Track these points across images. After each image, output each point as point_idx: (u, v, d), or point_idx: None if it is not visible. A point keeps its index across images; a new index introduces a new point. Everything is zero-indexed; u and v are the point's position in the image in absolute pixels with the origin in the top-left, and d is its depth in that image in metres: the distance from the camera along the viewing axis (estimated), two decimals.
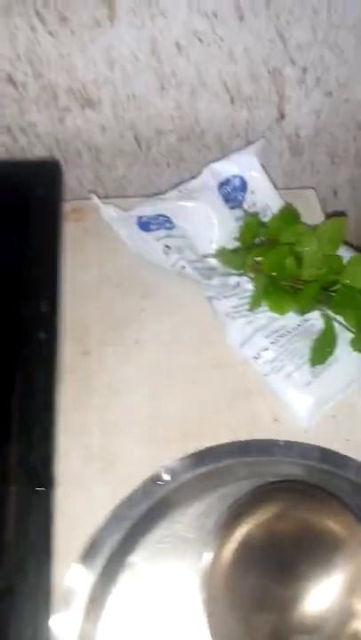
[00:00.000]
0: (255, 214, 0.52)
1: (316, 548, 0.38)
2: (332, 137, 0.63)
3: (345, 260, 0.48)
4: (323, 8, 0.51)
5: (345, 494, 0.43)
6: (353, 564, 0.37)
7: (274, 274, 0.47)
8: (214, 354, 0.50)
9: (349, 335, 0.47)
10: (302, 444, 0.45)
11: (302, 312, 0.47)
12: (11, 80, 0.55)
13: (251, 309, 0.48)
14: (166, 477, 0.43)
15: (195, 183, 0.54)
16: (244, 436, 0.46)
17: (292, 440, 0.45)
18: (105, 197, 0.64)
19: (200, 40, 0.53)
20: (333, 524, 0.38)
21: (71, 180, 0.66)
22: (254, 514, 0.39)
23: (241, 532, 0.38)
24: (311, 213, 0.58)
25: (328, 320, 0.47)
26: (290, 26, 0.52)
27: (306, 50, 0.55)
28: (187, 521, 0.42)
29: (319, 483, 0.43)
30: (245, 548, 0.38)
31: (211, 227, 0.53)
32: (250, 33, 0.53)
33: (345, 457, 0.45)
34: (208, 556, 0.37)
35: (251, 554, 0.38)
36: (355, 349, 0.47)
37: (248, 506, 0.39)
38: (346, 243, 0.51)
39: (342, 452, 0.45)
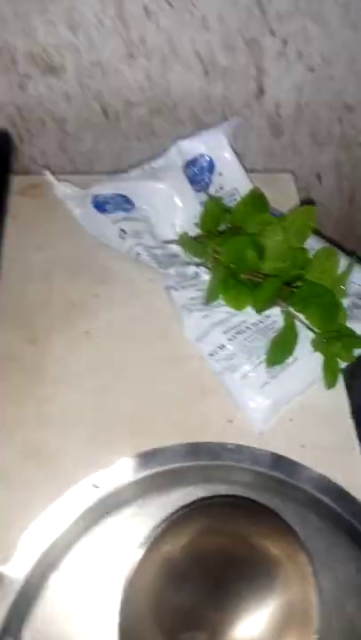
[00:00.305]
0: (218, 199, 0.48)
1: (250, 569, 0.35)
2: (315, 116, 0.59)
3: (312, 254, 0.44)
4: None
5: (297, 505, 0.41)
6: (288, 589, 0.34)
7: (233, 265, 0.44)
8: (170, 348, 0.47)
9: (311, 334, 0.44)
10: (254, 449, 0.42)
11: (259, 309, 0.44)
12: None
13: (206, 303, 0.45)
14: (106, 479, 0.41)
15: (160, 161, 0.50)
16: (194, 437, 0.43)
17: (245, 444, 0.43)
18: (72, 173, 0.60)
19: (170, 5, 0.49)
20: (271, 545, 0.36)
21: (35, 152, 0.62)
22: (188, 529, 0.36)
23: (171, 546, 0.35)
24: (287, 199, 0.55)
25: (288, 318, 0.44)
26: None
27: (286, 20, 0.50)
28: (124, 528, 0.40)
29: (268, 492, 0.41)
30: (175, 563, 0.35)
31: (174, 210, 0.49)
32: None
33: (299, 465, 0.42)
34: (133, 569, 0.34)
35: (180, 570, 0.35)
36: (316, 350, 0.44)
37: (182, 520, 0.36)
38: (318, 233, 0.48)
39: (297, 458, 0.42)
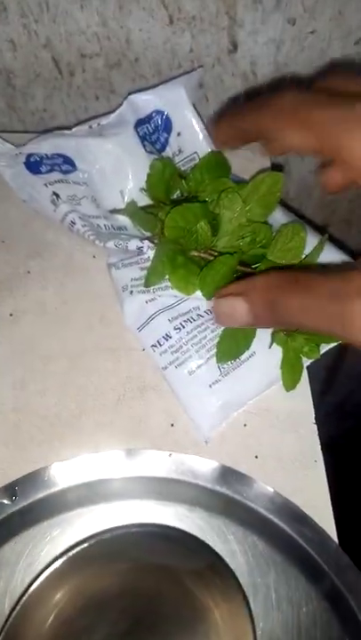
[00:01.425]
0: (167, 159, 0.41)
1: (177, 612, 0.29)
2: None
3: (276, 229, 0.37)
4: None
5: (244, 528, 0.35)
6: (221, 636, 0.28)
7: (181, 240, 0.37)
8: (108, 336, 0.40)
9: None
10: (198, 459, 0.36)
11: (207, 294, 0.37)
12: None
13: (147, 285, 0.38)
14: (18, 492, 0.34)
15: (112, 118, 0.43)
16: (129, 443, 0.37)
17: (188, 453, 0.36)
18: (23, 133, 0.53)
19: None
20: (203, 585, 0.29)
21: None
22: (94, 563, 0.30)
23: (70, 585, 0.29)
24: (258, 167, 0.48)
25: None
26: None
27: None
28: (35, 552, 0.33)
29: (210, 512, 0.34)
30: (73, 604, 0.29)
31: (123, 174, 0.42)
32: None
33: (250, 479, 0.36)
34: (20, 607, 0.28)
35: (87, 615, 0.29)
36: (275, 343, 0.37)
37: (88, 551, 0.30)
38: (286, 205, 0.41)
39: (249, 472, 0.36)
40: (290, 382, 0.37)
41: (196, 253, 0.37)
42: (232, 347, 0.36)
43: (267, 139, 0.36)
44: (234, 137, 0.39)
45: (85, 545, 0.30)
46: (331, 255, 0.39)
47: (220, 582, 0.29)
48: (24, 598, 0.28)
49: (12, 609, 0.28)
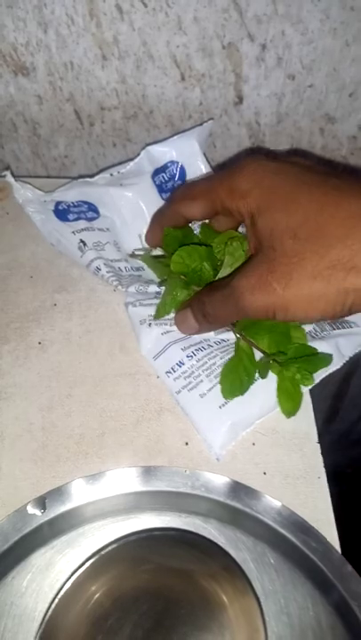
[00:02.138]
0: (183, 229, 0.44)
1: (193, 611, 0.32)
2: (296, 126, 0.56)
3: None
4: None
5: (254, 538, 0.38)
6: (234, 634, 0.31)
7: (184, 277, 0.41)
8: (128, 363, 0.44)
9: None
10: (211, 475, 0.39)
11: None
12: None
13: (156, 317, 0.42)
14: (47, 505, 0.37)
15: (130, 166, 0.48)
16: (148, 460, 0.40)
17: (201, 470, 0.40)
18: (46, 178, 0.58)
19: (144, 4, 0.47)
20: (217, 586, 0.32)
21: (7, 155, 0.59)
22: (120, 564, 0.33)
23: (105, 582, 0.32)
24: None
25: (238, 345, 0.41)
26: None
27: (265, 24, 0.48)
28: (64, 556, 0.37)
29: (223, 523, 0.38)
30: (109, 602, 0.32)
31: (141, 219, 0.47)
32: (200, 0, 0.46)
33: (259, 493, 0.39)
34: (55, 607, 0.31)
35: (116, 610, 0.32)
36: (261, 376, 0.41)
37: (114, 553, 0.33)
38: None
39: (257, 487, 0.39)
40: (288, 409, 0.40)
41: (197, 288, 0.41)
42: (235, 383, 0.40)
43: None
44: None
45: (114, 546, 0.33)
46: None
47: (233, 583, 0.32)
48: (58, 597, 0.31)
49: (48, 608, 0.31)
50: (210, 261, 0.40)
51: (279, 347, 0.40)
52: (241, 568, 0.32)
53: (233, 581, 0.32)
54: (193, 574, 0.33)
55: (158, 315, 0.42)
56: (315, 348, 0.40)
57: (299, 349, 0.40)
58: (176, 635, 0.33)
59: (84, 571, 0.32)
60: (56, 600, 0.32)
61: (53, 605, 0.32)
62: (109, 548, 0.33)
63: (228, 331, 0.43)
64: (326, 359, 0.41)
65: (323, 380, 0.42)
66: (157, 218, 0.45)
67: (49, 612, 0.31)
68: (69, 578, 0.33)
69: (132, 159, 0.48)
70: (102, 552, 0.33)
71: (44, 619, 0.31)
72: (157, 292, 0.43)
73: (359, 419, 1.05)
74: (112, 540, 0.34)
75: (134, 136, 0.58)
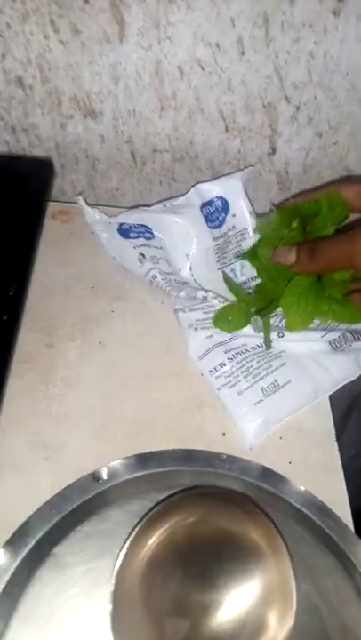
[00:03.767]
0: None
1: (236, 558, 0.38)
2: (319, 176, 0.66)
3: None
4: (319, 53, 0.54)
5: (282, 514, 0.44)
6: (269, 579, 0.37)
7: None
8: (173, 362, 0.51)
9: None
10: (245, 460, 0.46)
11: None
12: (20, 82, 0.58)
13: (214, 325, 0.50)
14: (106, 475, 0.44)
15: (180, 200, 0.56)
16: (190, 444, 0.47)
17: (236, 455, 0.46)
18: (98, 206, 0.66)
19: (202, 68, 0.56)
20: (252, 533, 0.39)
21: (66, 184, 0.68)
22: (177, 516, 0.39)
23: (162, 533, 0.39)
24: None
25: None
26: (287, 65, 0.55)
27: (301, 89, 0.58)
28: (119, 520, 0.43)
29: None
30: (165, 549, 0.38)
31: (189, 242, 0.55)
32: (249, 67, 0.56)
33: (285, 479, 0.46)
34: (122, 557, 0.37)
35: (170, 556, 0.38)
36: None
37: (172, 508, 0.39)
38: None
39: (284, 473, 0.46)
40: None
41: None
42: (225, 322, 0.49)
43: None
44: None
45: (170, 500, 0.40)
46: None
47: (270, 540, 0.38)
48: (127, 544, 0.37)
49: (116, 558, 0.37)
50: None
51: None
52: (279, 530, 0.39)
53: (270, 539, 0.38)
54: (235, 529, 0.39)
55: (214, 324, 0.50)
56: None
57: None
58: (220, 577, 0.39)
59: (144, 523, 0.39)
60: (124, 548, 0.38)
61: (122, 553, 0.38)
62: (166, 502, 0.40)
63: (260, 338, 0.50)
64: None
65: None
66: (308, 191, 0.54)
67: (118, 563, 0.37)
68: (133, 530, 0.39)
69: (179, 195, 0.57)
70: (159, 507, 0.39)
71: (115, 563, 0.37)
72: (204, 298, 0.50)
73: None
74: (167, 495, 0.41)
75: (179, 176, 0.67)
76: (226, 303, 0.50)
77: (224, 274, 0.54)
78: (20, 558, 0.40)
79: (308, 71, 0.56)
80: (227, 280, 0.54)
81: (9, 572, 0.39)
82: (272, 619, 0.36)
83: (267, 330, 0.49)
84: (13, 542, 0.40)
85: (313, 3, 0.51)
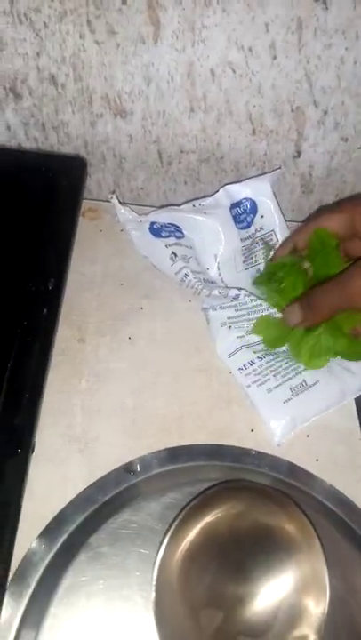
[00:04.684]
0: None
1: (270, 551, 0.39)
2: (342, 180, 0.67)
3: None
4: (350, 59, 0.55)
5: (309, 509, 0.45)
6: (302, 570, 0.38)
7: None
8: (202, 359, 0.52)
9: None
10: (273, 456, 0.47)
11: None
12: (53, 80, 0.59)
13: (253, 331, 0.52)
14: (138, 468, 0.45)
15: (209, 200, 0.57)
16: (219, 440, 0.48)
17: (264, 452, 0.47)
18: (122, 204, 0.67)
19: (233, 71, 0.57)
20: (287, 526, 0.40)
21: (92, 182, 0.69)
22: (214, 510, 0.40)
23: (199, 526, 0.40)
24: None
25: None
26: (318, 70, 0.56)
27: (329, 94, 0.59)
28: (151, 511, 0.44)
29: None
30: (202, 542, 0.39)
31: (218, 242, 0.56)
32: (280, 71, 0.57)
33: (312, 475, 0.47)
34: (164, 547, 0.38)
35: (207, 549, 0.39)
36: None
37: (209, 502, 0.40)
38: None
39: (311, 470, 0.47)
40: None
41: None
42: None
43: None
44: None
45: (210, 492, 0.40)
46: None
47: (304, 533, 0.39)
48: (167, 536, 0.38)
49: (159, 548, 0.38)
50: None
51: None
52: (312, 523, 0.40)
53: (304, 533, 0.39)
54: (271, 523, 0.40)
55: (254, 331, 0.51)
56: None
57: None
58: (255, 571, 0.40)
59: (183, 516, 0.40)
60: (165, 541, 0.39)
61: (163, 545, 0.39)
62: (203, 496, 0.41)
63: None
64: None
65: None
66: (294, 233, 0.54)
67: (160, 549, 0.38)
68: (173, 522, 0.40)
69: (208, 196, 0.58)
70: (196, 500, 0.40)
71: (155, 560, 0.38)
72: (236, 295, 0.51)
73: None
74: (203, 489, 0.42)
75: (203, 177, 0.68)
76: (257, 302, 0.51)
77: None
78: (56, 547, 0.41)
79: (337, 77, 0.57)
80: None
81: (46, 560, 0.40)
82: (306, 607, 0.37)
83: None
84: (49, 532, 0.41)
85: (347, 9, 0.52)
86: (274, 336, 0.50)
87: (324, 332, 0.49)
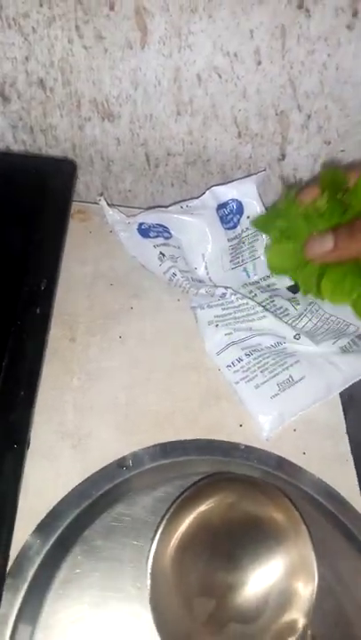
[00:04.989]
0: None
1: (260, 539, 0.41)
2: None
3: None
4: (332, 65, 0.57)
5: (297, 499, 0.46)
6: (291, 557, 0.40)
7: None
8: (192, 357, 0.53)
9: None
10: (262, 450, 0.48)
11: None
12: (41, 84, 0.60)
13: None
14: (131, 463, 0.46)
15: (196, 202, 0.58)
16: (209, 435, 0.49)
17: (253, 446, 0.49)
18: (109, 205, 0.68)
19: (219, 76, 0.59)
20: (276, 515, 0.41)
21: (80, 184, 0.70)
22: (206, 502, 0.41)
23: (192, 517, 0.41)
24: None
25: None
26: (301, 75, 0.58)
27: (312, 99, 0.60)
28: (144, 505, 0.45)
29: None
30: (194, 533, 0.40)
31: (205, 242, 0.57)
32: (264, 76, 0.58)
33: (300, 468, 0.48)
34: (157, 538, 0.39)
35: (199, 540, 0.40)
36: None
37: (200, 494, 0.42)
38: None
39: (298, 463, 0.48)
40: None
41: None
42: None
43: None
44: None
45: (202, 484, 0.42)
46: None
47: (292, 523, 0.40)
48: (160, 527, 0.39)
49: (152, 540, 0.39)
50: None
51: None
52: (301, 514, 0.41)
53: (292, 521, 0.40)
54: (260, 513, 0.41)
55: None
56: None
57: None
58: (244, 559, 0.41)
59: (175, 508, 0.41)
60: (158, 532, 0.40)
61: (157, 536, 0.40)
62: (194, 488, 0.42)
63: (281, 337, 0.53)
64: None
65: None
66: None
67: (154, 540, 0.39)
68: (165, 514, 0.41)
69: (195, 197, 0.59)
70: (187, 492, 0.41)
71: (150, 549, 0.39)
72: (223, 294, 0.53)
73: None
74: (194, 481, 0.43)
75: (190, 179, 0.69)
76: (244, 300, 0.52)
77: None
78: (51, 541, 0.42)
79: (320, 82, 0.59)
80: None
81: (41, 554, 0.41)
82: (295, 592, 0.39)
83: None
84: (44, 526, 0.42)
85: (329, 17, 0.54)
86: (283, 265, 0.50)
87: (350, 270, 0.47)
